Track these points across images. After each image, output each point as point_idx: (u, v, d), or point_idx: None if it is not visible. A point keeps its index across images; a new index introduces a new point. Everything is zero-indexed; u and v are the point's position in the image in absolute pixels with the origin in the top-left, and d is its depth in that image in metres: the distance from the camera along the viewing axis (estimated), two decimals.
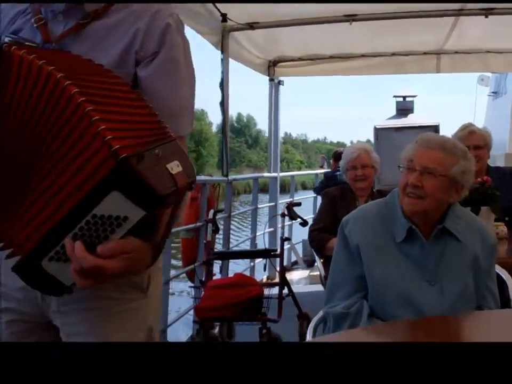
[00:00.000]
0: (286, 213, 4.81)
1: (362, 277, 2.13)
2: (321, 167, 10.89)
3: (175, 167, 1.19)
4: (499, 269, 2.41)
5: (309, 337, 2.19)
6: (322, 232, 3.96)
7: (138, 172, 1.11)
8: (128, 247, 1.19)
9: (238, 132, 78.99)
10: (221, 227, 5.69)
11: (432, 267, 2.09)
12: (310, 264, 8.32)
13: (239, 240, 8.59)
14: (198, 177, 5.67)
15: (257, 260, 6.72)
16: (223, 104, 5.67)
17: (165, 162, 1.18)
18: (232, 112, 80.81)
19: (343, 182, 4.18)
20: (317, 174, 10.18)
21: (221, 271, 5.28)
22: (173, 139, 1.25)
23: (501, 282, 2.40)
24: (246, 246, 7.28)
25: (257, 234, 6.96)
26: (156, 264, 1.37)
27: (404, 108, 8.76)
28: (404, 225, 2.12)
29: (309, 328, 2.25)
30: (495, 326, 1.82)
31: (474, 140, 3.79)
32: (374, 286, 2.11)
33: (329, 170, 8.38)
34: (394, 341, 1.61)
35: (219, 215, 5.27)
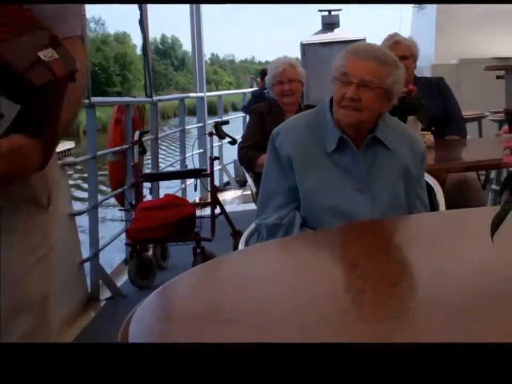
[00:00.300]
0: (213, 132, 4.74)
1: (294, 188, 2.12)
2: (251, 87, 10.79)
3: (48, 54, 1.10)
4: (427, 176, 2.44)
5: (241, 247, 2.19)
6: (252, 149, 3.93)
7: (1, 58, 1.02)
8: (11, 145, 1.13)
9: (163, 54, 76.99)
10: (149, 151, 5.61)
11: (363, 176, 2.09)
12: (242, 184, 8.33)
13: (169, 162, 8.51)
14: (122, 99, 5.53)
15: (189, 182, 6.68)
16: (142, 23, 5.48)
17: (36, 50, 1.09)
18: (156, 34, 78.55)
19: (271, 99, 4.13)
20: (244, 93, 10.09)
21: (151, 193, 5.22)
22: (47, 29, 1.17)
23: (429, 189, 2.44)
24: (177, 168, 7.20)
25: (187, 156, 6.89)
26: (53, 177, 1.32)
27: (330, 22, 8.68)
28: (334, 135, 2.10)
29: (241, 240, 2.24)
30: (425, 228, 1.84)
31: (400, 50, 3.76)
32: (306, 196, 2.10)
33: (257, 89, 8.30)
34: (325, 247, 1.61)
35: (146, 137, 5.17)
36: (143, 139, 4.77)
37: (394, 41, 3.81)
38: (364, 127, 2.13)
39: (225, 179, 8.51)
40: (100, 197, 4.65)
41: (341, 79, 2.09)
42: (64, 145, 20.70)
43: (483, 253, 1.35)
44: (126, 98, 5.54)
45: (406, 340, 0.92)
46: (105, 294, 4.17)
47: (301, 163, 2.11)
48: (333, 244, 1.67)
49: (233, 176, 8.64)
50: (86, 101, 4.02)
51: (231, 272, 1.42)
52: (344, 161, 2.10)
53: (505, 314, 0.98)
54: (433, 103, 3.71)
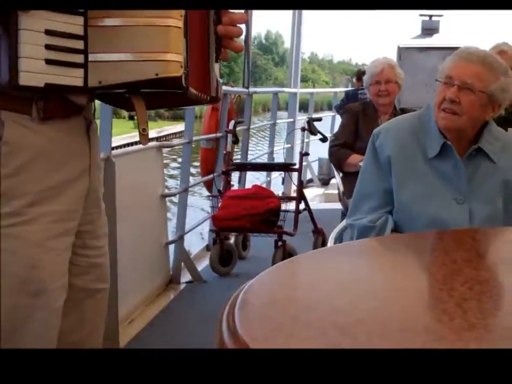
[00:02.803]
0: (306, 127, 4.76)
1: (389, 191, 2.08)
2: (346, 87, 10.76)
3: None
4: None
5: (330, 244, 2.20)
6: (343, 147, 3.94)
7: None
8: None
9: (266, 49, 79.31)
10: (240, 139, 5.67)
11: (462, 186, 2.03)
12: (325, 182, 8.34)
13: (257, 155, 8.55)
14: None
15: (274, 176, 6.72)
16: (246, 13, 5.52)
17: None
18: (262, 29, 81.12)
19: (364, 100, 4.13)
20: (336, 92, 10.07)
21: (239, 183, 5.28)
22: None
23: None
24: (263, 161, 7.25)
25: (275, 149, 6.94)
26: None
27: (430, 28, 8.53)
28: (438, 141, 2.05)
29: (330, 237, 2.24)
30: None
31: (505, 60, 3.66)
32: (402, 201, 2.06)
33: (351, 88, 8.26)
34: (422, 250, 1.59)
35: (238, 127, 5.24)
36: (236, 129, 4.84)
37: (499, 51, 3.71)
38: (466, 134, 2.06)
39: (309, 176, 8.50)
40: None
41: (444, 81, 2.04)
42: (176, 128, 21.12)
43: None
44: (224, 87, 5.63)
45: None
46: (186, 277, 4.25)
47: (400, 166, 2.07)
48: (430, 248, 1.64)
49: (316, 174, 8.63)
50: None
51: (319, 270, 1.36)
52: (445, 168, 2.04)
53: None
54: None
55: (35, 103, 1.24)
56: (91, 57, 1.22)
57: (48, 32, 1.18)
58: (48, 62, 1.18)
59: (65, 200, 1.31)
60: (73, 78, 1.22)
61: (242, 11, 1.44)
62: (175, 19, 1.24)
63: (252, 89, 5.86)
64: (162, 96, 1.32)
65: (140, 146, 4.08)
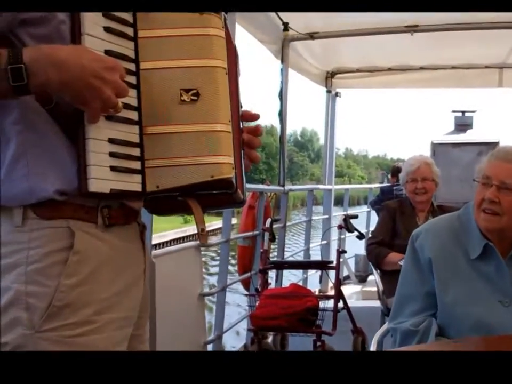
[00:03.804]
0: (342, 225, 4.76)
1: (432, 294, 2.06)
2: (381, 182, 10.82)
3: None
4: None
5: (372, 348, 2.15)
6: (380, 245, 3.91)
7: None
8: None
9: (301, 146, 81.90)
10: (276, 237, 5.68)
11: (508, 288, 2.00)
12: (362, 279, 8.23)
13: (293, 251, 8.53)
14: (256, 186, 5.69)
15: (310, 272, 6.67)
16: (282, 114, 5.66)
17: None
18: (297, 127, 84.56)
19: (400, 196, 4.14)
20: (371, 188, 10.11)
21: (276, 281, 5.25)
22: None
23: None
24: (299, 257, 7.24)
25: (311, 246, 6.92)
26: None
27: (463, 124, 8.58)
28: (479, 242, 2.04)
29: (373, 341, 2.21)
30: None
31: None
32: (445, 304, 2.03)
33: (386, 184, 8.30)
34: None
35: (275, 225, 5.26)
36: (273, 226, 4.86)
37: None
38: (508, 234, 2.05)
39: (345, 272, 8.40)
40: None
41: (482, 181, 2.05)
42: (218, 223, 21.51)
43: None
44: (260, 186, 5.71)
45: None
46: None
47: (442, 268, 2.05)
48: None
49: (353, 270, 8.52)
50: None
51: None
52: (488, 269, 2.02)
53: None
54: None
55: (100, 211, 1.27)
56: (147, 163, 1.27)
57: (111, 141, 1.23)
58: (112, 168, 1.23)
59: (125, 306, 1.31)
60: (133, 183, 1.26)
61: (258, 123, 1.50)
62: (223, 124, 1.29)
63: (287, 186, 5.93)
64: (209, 198, 1.35)
65: (179, 246, 4.11)
